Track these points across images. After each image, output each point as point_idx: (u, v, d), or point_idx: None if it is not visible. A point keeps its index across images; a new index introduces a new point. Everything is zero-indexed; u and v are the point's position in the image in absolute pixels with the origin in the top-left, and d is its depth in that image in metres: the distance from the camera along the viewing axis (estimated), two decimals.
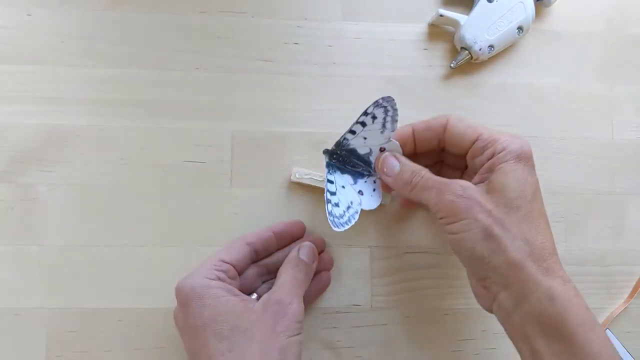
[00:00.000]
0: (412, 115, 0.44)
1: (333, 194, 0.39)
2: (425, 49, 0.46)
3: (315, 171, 0.43)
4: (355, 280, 0.43)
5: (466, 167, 0.39)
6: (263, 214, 0.43)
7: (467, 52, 0.44)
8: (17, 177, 0.42)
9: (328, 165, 0.40)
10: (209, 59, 0.44)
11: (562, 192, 0.45)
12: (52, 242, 0.41)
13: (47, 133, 0.42)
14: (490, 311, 0.35)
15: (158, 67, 0.44)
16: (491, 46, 0.44)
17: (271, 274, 0.40)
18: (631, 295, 0.44)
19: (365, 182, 0.40)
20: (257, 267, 0.39)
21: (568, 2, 0.47)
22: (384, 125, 0.39)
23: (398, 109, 0.38)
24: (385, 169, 0.38)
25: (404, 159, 0.38)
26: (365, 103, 0.44)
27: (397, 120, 0.38)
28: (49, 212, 0.42)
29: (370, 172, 0.40)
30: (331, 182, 0.39)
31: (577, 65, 0.47)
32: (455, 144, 0.37)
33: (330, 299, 0.42)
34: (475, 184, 0.35)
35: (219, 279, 0.35)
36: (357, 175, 0.41)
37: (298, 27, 0.45)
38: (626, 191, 0.45)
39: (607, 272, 0.44)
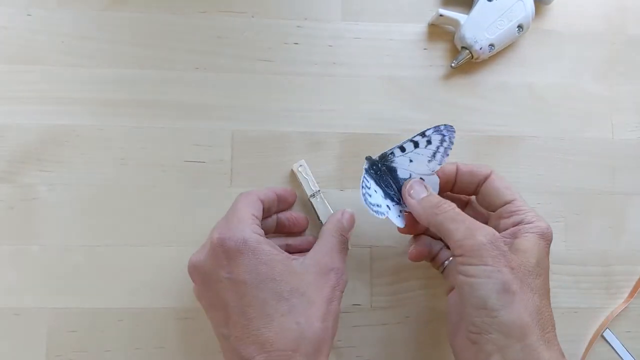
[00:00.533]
0: (412, 116, 0.45)
1: (369, 188, 0.37)
2: (425, 49, 0.46)
3: (316, 179, 0.42)
4: (355, 280, 0.43)
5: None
6: None
7: (467, 51, 0.44)
8: (17, 177, 0.42)
9: (366, 171, 0.38)
10: (209, 59, 0.44)
11: (562, 192, 0.45)
12: (52, 242, 0.41)
13: (47, 133, 0.42)
14: None
15: (158, 67, 0.44)
16: (492, 45, 0.44)
17: None
18: (631, 295, 0.44)
19: (394, 205, 0.38)
20: None
21: (568, 2, 0.47)
22: (434, 155, 0.38)
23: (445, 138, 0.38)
24: (411, 192, 0.37)
25: (432, 191, 0.37)
26: (365, 103, 0.44)
27: (448, 155, 0.38)
28: (49, 212, 0.42)
29: (399, 200, 0.38)
30: (367, 186, 0.38)
31: (577, 65, 0.47)
32: (489, 197, 0.38)
33: None
34: None
35: (263, 235, 0.35)
36: (387, 195, 0.38)
37: (298, 27, 0.45)
38: (626, 191, 0.45)
39: (607, 272, 0.44)
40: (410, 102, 0.45)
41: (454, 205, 0.35)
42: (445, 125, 0.37)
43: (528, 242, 0.34)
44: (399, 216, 0.38)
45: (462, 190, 0.39)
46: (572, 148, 0.45)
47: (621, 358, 0.44)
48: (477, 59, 0.44)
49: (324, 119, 0.44)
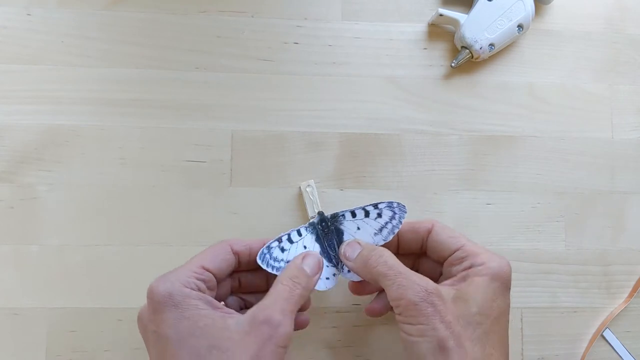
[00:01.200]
0: (411, 115, 0.45)
1: (290, 241, 0.37)
2: (425, 49, 0.46)
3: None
4: None
5: (441, 274, 0.38)
6: (262, 213, 0.43)
7: (467, 51, 0.44)
8: (17, 177, 0.42)
9: (311, 224, 0.39)
10: (209, 58, 0.44)
11: (562, 192, 0.45)
12: (52, 241, 0.41)
13: (47, 133, 0.42)
14: None
15: (158, 67, 0.44)
16: (492, 45, 0.44)
17: (243, 288, 0.38)
18: (631, 295, 0.44)
19: (327, 267, 0.38)
20: (230, 279, 0.37)
21: (568, 1, 0.47)
22: (381, 230, 0.38)
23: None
24: (347, 254, 0.37)
25: (365, 243, 0.37)
26: (365, 103, 0.44)
27: (394, 234, 0.37)
28: (48, 212, 0.42)
29: (336, 264, 0.38)
30: (299, 234, 0.38)
31: (577, 64, 0.47)
32: (436, 250, 0.37)
33: (331, 298, 0.42)
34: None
35: (199, 289, 0.33)
36: (325, 255, 0.38)
37: (298, 26, 0.45)
38: (626, 191, 0.45)
39: (607, 271, 0.44)
40: (410, 101, 0.45)
41: (385, 255, 0.34)
42: (398, 203, 0.37)
43: (471, 287, 0.33)
44: (328, 278, 0.38)
45: (408, 249, 0.39)
46: (571, 148, 0.46)
47: (621, 358, 0.44)
48: (477, 58, 0.44)
49: (323, 119, 0.44)
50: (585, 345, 0.44)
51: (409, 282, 0.32)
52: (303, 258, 0.36)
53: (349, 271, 0.38)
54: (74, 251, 0.41)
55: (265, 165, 0.43)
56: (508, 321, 0.34)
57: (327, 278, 0.38)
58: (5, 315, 0.41)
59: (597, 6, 0.47)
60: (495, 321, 0.33)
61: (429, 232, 0.37)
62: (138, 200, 0.42)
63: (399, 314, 0.33)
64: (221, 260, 0.35)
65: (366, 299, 0.43)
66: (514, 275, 0.43)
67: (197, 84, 0.44)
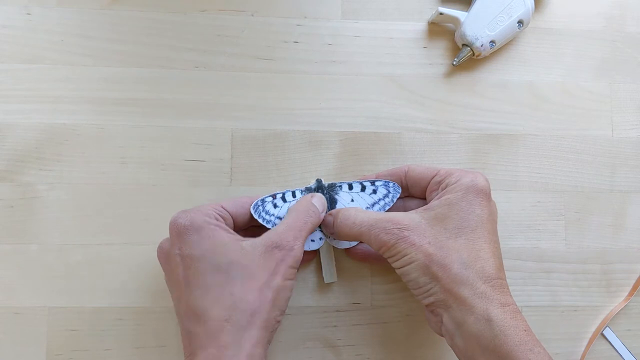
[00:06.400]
0: (411, 114, 0.45)
1: (283, 200, 0.40)
2: (425, 47, 0.46)
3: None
4: (355, 278, 0.43)
5: None
6: None
7: (468, 48, 0.44)
8: (16, 176, 0.42)
9: (307, 189, 0.41)
10: (209, 57, 0.44)
11: (562, 190, 0.45)
12: (52, 241, 0.41)
13: (47, 132, 0.42)
14: (441, 335, 0.36)
15: (158, 66, 0.44)
16: (493, 41, 0.44)
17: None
18: (631, 294, 0.44)
19: (315, 230, 0.40)
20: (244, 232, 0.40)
21: (569, 0, 0.47)
22: (373, 205, 0.40)
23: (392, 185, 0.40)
24: (327, 229, 0.40)
25: (335, 211, 0.39)
26: (365, 102, 0.44)
27: (385, 211, 0.40)
28: (48, 211, 0.42)
29: (322, 230, 0.40)
30: (294, 196, 0.40)
31: (577, 63, 0.46)
32: (416, 183, 0.40)
33: (331, 297, 0.42)
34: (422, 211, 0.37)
35: (217, 220, 0.36)
36: None
37: (298, 25, 0.45)
38: (626, 189, 0.45)
39: (607, 270, 0.44)
40: (410, 100, 0.45)
41: (351, 216, 0.37)
42: (394, 183, 0.40)
43: (446, 205, 0.36)
44: (313, 240, 0.40)
45: None
46: (572, 146, 0.45)
47: (621, 356, 0.44)
48: (478, 56, 0.44)
49: (323, 118, 0.44)
50: (585, 343, 0.44)
51: (381, 230, 0.35)
52: (312, 197, 0.39)
53: (334, 238, 0.41)
54: (74, 250, 0.41)
55: (266, 164, 0.43)
56: (495, 227, 0.37)
57: (312, 240, 0.40)
58: (6, 314, 0.41)
59: (597, 4, 0.47)
60: (476, 229, 0.35)
61: (406, 172, 0.40)
62: (138, 200, 0.42)
63: (387, 258, 0.36)
64: (239, 206, 0.38)
65: (366, 299, 0.43)
66: (513, 274, 0.43)
67: (197, 83, 0.44)
